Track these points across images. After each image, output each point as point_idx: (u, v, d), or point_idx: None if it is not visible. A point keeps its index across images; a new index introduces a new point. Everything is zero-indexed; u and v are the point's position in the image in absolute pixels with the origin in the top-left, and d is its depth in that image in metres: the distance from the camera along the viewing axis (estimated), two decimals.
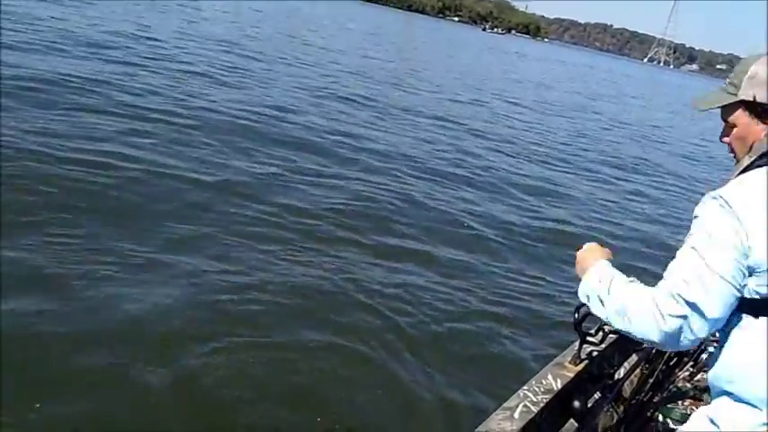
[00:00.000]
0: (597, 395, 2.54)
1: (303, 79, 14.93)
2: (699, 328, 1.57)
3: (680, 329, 1.57)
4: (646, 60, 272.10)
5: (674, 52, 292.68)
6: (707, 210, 1.64)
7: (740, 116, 1.77)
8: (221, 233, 5.48)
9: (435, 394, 3.94)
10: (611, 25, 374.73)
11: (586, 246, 2.00)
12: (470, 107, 17.57)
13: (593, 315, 2.51)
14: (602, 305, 1.76)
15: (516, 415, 2.23)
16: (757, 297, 1.59)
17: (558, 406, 2.35)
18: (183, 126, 8.40)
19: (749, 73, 1.73)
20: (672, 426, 2.60)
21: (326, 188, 7.38)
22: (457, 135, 12.78)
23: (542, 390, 2.39)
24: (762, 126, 1.73)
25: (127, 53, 12.74)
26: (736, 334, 1.65)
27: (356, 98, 14.09)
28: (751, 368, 1.61)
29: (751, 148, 1.73)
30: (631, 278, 1.77)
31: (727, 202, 1.59)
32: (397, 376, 4.05)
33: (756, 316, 1.61)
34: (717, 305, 1.56)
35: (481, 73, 29.05)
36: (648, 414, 2.74)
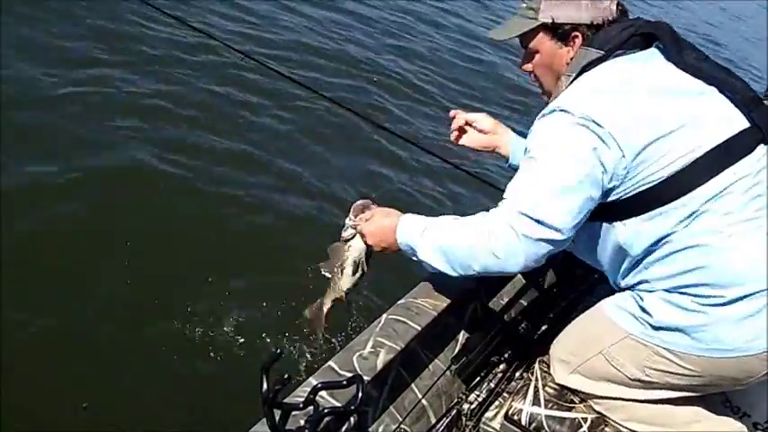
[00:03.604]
0: None
1: None
2: (556, 246, 1.52)
3: (516, 250, 1.50)
4: None
5: None
6: (553, 125, 1.52)
7: (542, 41, 1.67)
8: None
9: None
10: None
11: (376, 213, 1.79)
12: None
13: None
14: (440, 256, 1.63)
15: None
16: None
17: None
18: None
19: None
20: None
21: None
22: None
23: None
24: (566, 48, 1.63)
25: None
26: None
27: None
28: None
29: (558, 76, 1.63)
30: (454, 216, 1.68)
31: (580, 116, 1.48)
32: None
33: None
34: (570, 220, 1.49)
35: None
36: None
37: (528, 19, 1.66)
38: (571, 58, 1.62)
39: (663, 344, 1.61)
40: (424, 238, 1.63)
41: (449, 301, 1.97)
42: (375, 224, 1.76)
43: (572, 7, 1.61)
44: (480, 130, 2.03)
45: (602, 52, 1.56)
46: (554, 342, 1.95)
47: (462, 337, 2.09)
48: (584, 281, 2.65)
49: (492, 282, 2.25)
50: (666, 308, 1.58)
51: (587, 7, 1.61)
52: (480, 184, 3.06)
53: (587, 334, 1.82)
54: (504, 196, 1.56)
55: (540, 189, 1.49)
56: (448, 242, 1.60)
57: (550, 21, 1.63)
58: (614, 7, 1.64)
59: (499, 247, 1.51)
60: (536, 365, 2.14)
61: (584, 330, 1.85)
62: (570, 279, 2.55)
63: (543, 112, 1.59)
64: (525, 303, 2.37)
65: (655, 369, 1.65)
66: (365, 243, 1.80)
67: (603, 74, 1.56)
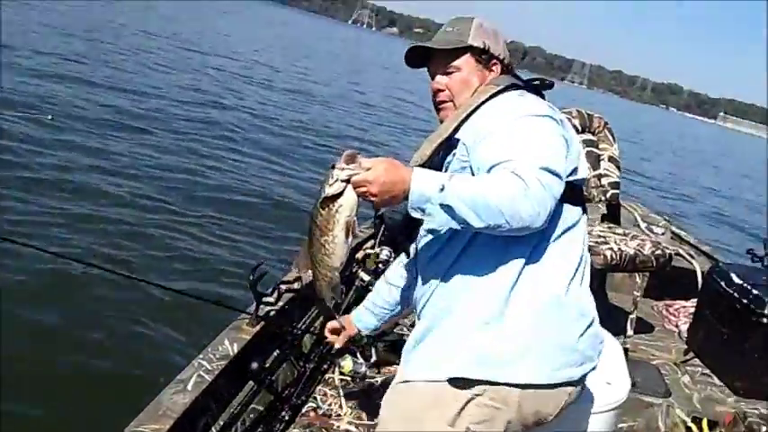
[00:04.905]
0: (276, 353, 2.60)
1: None
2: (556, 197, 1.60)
3: (546, 199, 1.53)
4: (350, 22, 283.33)
5: (377, 15, 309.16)
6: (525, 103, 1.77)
7: (468, 61, 1.91)
8: None
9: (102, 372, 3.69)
10: None
11: (378, 161, 1.58)
12: None
13: (267, 275, 2.56)
14: (468, 207, 1.51)
15: (190, 387, 2.18)
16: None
17: (236, 370, 2.36)
18: None
19: (474, 24, 1.92)
20: (341, 378, 2.78)
21: None
22: None
23: (218, 356, 2.37)
24: (487, 72, 1.92)
25: None
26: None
27: None
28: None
29: (473, 92, 1.88)
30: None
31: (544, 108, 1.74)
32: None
33: None
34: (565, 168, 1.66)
35: None
36: (325, 366, 2.89)
37: (458, 40, 1.89)
38: (495, 76, 1.90)
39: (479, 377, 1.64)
40: (451, 186, 1.52)
41: (174, 420, 2.01)
42: (383, 171, 1.55)
43: (497, 42, 1.93)
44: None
45: (523, 82, 1.89)
46: None
47: None
48: (311, 379, 2.83)
49: (223, 393, 2.34)
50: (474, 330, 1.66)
51: (504, 47, 1.95)
52: None
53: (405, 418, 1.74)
54: (505, 159, 1.56)
55: (545, 145, 1.63)
56: (482, 191, 1.51)
57: (483, 45, 1.89)
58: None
59: (535, 198, 1.50)
60: None
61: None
62: (300, 378, 2.72)
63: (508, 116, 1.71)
64: (261, 408, 2.48)
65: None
66: (362, 196, 1.56)
67: (536, 99, 1.83)
